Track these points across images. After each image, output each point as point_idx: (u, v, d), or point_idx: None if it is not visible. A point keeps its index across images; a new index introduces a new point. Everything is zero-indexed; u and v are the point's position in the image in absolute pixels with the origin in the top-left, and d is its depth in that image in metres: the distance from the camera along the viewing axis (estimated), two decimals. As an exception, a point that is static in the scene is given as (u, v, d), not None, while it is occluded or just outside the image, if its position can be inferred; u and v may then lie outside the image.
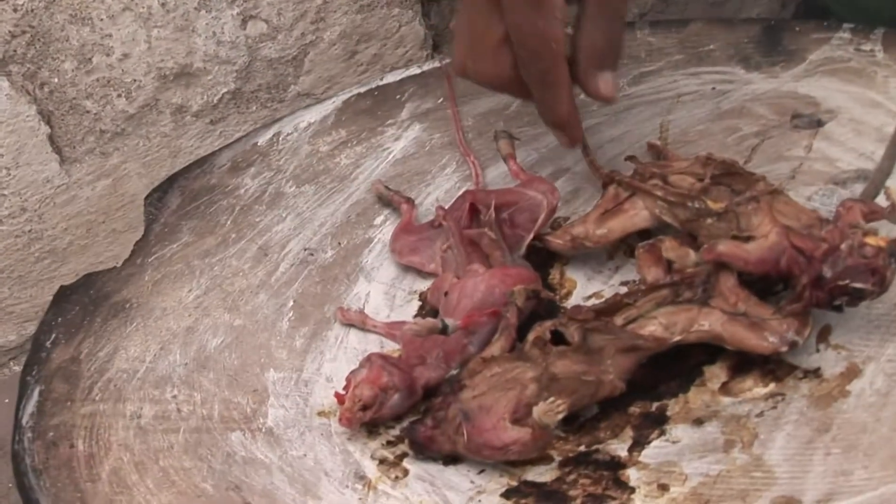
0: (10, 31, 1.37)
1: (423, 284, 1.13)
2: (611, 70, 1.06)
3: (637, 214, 1.06)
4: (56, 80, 1.42)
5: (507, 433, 0.91)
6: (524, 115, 1.26)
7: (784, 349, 0.94)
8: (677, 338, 0.96)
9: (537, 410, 0.91)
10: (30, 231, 1.46)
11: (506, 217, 1.11)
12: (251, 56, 1.51)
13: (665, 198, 1.03)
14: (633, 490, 0.90)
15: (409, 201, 1.17)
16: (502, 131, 1.19)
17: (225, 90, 1.52)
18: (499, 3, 1.01)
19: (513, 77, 1.06)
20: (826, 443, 0.90)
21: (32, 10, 1.38)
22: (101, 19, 1.42)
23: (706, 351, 0.98)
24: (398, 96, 1.31)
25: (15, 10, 1.37)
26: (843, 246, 0.92)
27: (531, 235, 1.09)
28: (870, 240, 0.91)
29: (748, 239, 0.97)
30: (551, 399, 0.92)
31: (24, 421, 1.02)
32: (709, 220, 1.00)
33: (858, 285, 0.91)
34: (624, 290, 1.07)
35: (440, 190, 1.21)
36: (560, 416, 0.91)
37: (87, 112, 1.45)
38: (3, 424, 1.01)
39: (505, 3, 1.01)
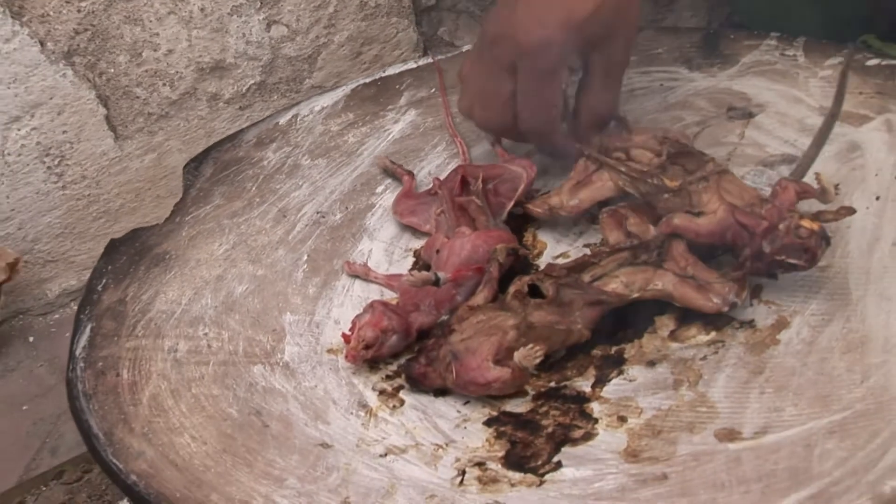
0: (74, 29, 1.31)
1: (418, 243, 1.07)
2: (605, 126, 1.03)
3: (604, 186, 0.99)
4: (112, 70, 1.36)
5: (490, 372, 0.85)
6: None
7: (725, 309, 0.89)
8: (635, 295, 0.91)
9: (518, 355, 0.85)
10: (89, 195, 1.40)
11: (491, 187, 1.05)
12: (274, 54, 1.45)
13: (628, 174, 0.96)
14: (596, 421, 0.85)
15: (410, 173, 1.11)
16: None
17: (252, 82, 1.46)
18: (514, 68, 0.97)
19: (513, 126, 1.02)
20: (760, 383, 0.84)
21: (93, 12, 1.32)
22: (150, 21, 1.36)
23: (657, 303, 0.92)
24: (397, 86, 1.25)
25: (79, 11, 1.31)
26: (781, 226, 0.86)
27: (511, 203, 1.04)
28: (805, 222, 0.86)
29: (699, 214, 0.91)
30: (530, 346, 0.86)
31: (77, 353, 0.95)
32: (665, 195, 0.93)
33: (793, 261, 0.86)
34: (587, 251, 1.01)
35: (432, 165, 1.15)
36: (538, 361, 0.86)
37: (138, 97, 1.39)
38: (67, 354, 0.94)
39: (521, 69, 0.97)
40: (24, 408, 1.27)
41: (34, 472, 1.19)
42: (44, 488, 1.19)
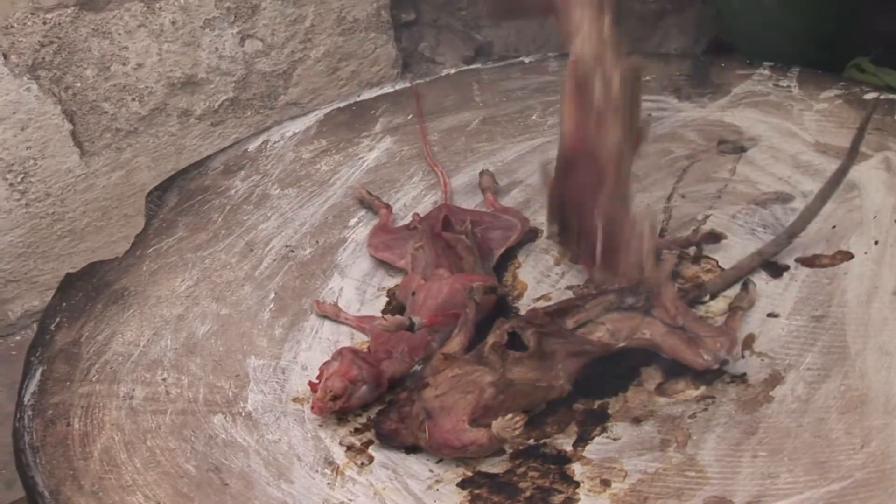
0: (39, 42, 1.26)
1: (392, 282, 1.00)
2: None
3: None
4: (79, 84, 1.31)
5: (466, 434, 0.80)
6: (482, 132, 1.14)
7: (716, 367, 0.84)
8: (621, 344, 0.86)
9: (497, 426, 0.79)
10: (53, 213, 1.34)
11: (477, 232, 1.00)
12: (248, 69, 1.39)
13: None
14: (577, 485, 0.79)
15: (388, 206, 1.06)
16: (486, 171, 1.07)
17: (224, 97, 1.40)
18: None
19: None
20: (753, 446, 0.79)
21: (59, 24, 1.27)
22: (119, 34, 1.31)
23: (643, 353, 0.86)
24: (373, 111, 1.18)
25: (44, 23, 1.25)
26: None
27: (502, 250, 1.00)
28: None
29: None
30: (510, 416, 0.79)
31: (25, 399, 0.88)
32: None
33: None
34: (569, 293, 0.95)
35: (408, 196, 1.09)
36: (517, 434, 0.79)
37: (105, 113, 1.34)
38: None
39: None
40: (-19, 436, 1.20)
41: (-12, 505, 1.13)
42: (-2, 525, 1.12)
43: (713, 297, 0.90)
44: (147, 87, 1.35)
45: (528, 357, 0.83)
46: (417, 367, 0.87)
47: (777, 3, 1.40)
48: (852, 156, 0.89)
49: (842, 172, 0.89)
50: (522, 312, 0.93)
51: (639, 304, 0.86)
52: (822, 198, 0.90)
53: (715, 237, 0.96)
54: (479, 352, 0.84)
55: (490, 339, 0.84)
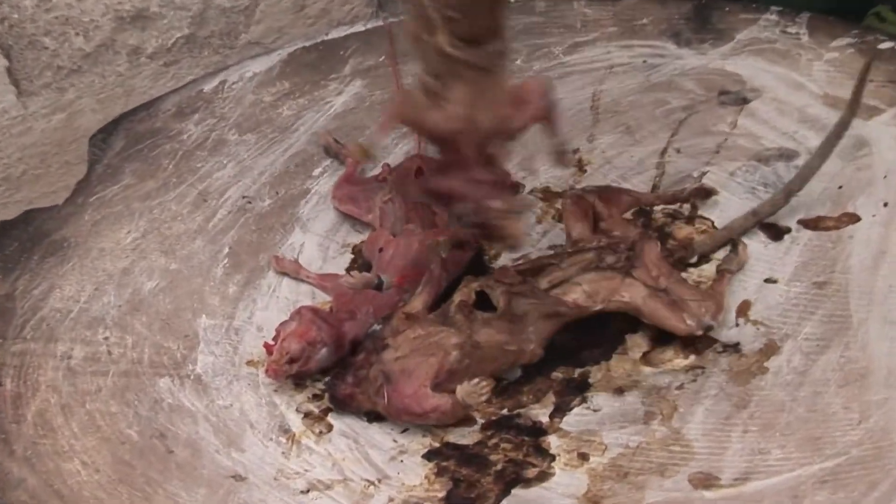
0: None
1: (357, 238, 1.02)
2: None
3: None
4: (16, 15, 1.30)
5: (428, 400, 0.81)
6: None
7: (699, 332, 0.85)
8: (598, 307, 0.87)
9: (461, 391, 0.81)
10: None
11: None
12: (205, 3, 1.40)
13: None
14: (553, 458, 0.80)
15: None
16: None
17: (179, 35, 1.40)
18: None
19: None
20: (744, 420, 0.80)
21: None
22: None
23: (628, 318, 0.88)
24: (342, 52, 1.19)
25: None
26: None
27: None
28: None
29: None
30: (476, 381, 0.81)
31: (-48, 357, 0.90)
32: None
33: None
34: (551, 253, 0.95)
35: (378, 145, 1.09)
36: (483, 399, 0.82)
37: (45, 48, 1.33)
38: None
39: None
40: None
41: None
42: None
43: (702, 258, 0.92)
44: (93, 20, 1.35)
45: (497, 318, 0.84)
46: (377, 328, 0.88)
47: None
48: (853, 108, 0.91)
49: (843, 126, 0.91)
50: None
51: (619, 263, 0.87)
52: (822, 154, 0.92)
53: (706, 192, 0.98)
54: (445, 311, 0.86)
55: (456, 298, 0.85)
